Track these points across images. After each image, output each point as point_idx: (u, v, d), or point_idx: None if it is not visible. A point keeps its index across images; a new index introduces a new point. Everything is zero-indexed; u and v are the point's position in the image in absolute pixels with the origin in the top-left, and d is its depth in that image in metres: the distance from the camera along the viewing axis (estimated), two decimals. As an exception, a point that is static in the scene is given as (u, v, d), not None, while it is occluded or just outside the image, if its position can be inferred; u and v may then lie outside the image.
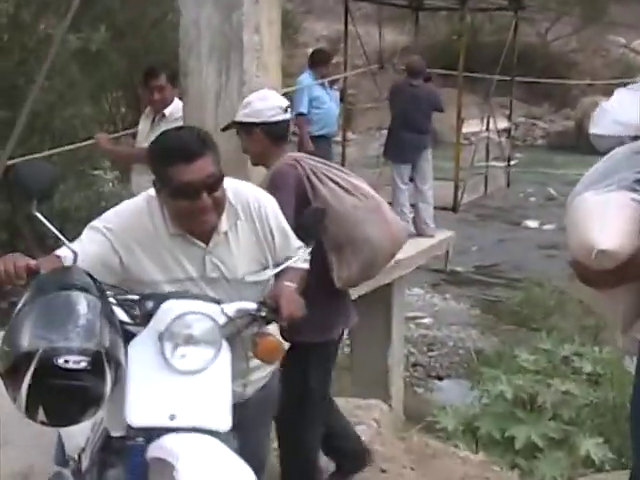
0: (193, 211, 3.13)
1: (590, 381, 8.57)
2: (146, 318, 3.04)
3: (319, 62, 10.60)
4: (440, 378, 14.49)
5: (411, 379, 14.69)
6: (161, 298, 3.07)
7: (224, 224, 3.30)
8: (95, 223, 3.24)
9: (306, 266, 3.61)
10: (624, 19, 41.21)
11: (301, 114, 10.14)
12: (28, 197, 3.11)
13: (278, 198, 3.66)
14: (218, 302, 3.13)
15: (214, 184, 3.14)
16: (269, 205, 3.48)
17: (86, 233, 3.21)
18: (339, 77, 11.97)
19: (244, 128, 4.49)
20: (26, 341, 2.66)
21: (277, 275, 3.40)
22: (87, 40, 9.65)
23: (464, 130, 12.59)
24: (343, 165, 11.95)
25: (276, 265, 3.42)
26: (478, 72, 13.31)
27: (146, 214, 3.27)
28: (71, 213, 11.02)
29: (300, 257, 3.52)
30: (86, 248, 3.12)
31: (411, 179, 11.05)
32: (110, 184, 12.92)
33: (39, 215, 3.08)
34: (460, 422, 6.89)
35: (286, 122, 4.49)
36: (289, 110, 4.52)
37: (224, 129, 4.65)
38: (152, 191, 3.26)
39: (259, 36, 5.01)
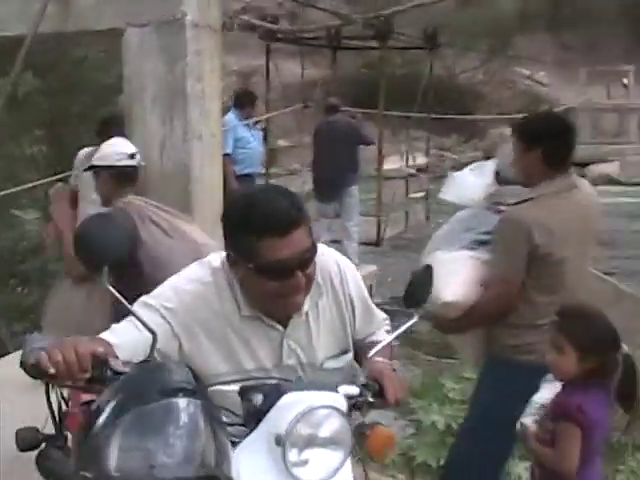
0: (282, 292, 2.61)
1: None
2: (254, 416, 2.46)
3: (245, 103, 10.80)
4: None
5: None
6: (271, 390, 2.47)
7: (306, 303, 2.78)
8: (149, 300, 2.70)
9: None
10: (528, 51, 42.23)
11: (227, 155, 10.27)
12: (96, 265, 2.61)
13: None
14: (336, 388, 2.54)
15: (309, 260, 2.64)
16: (349, 272, 2.94)
17: (139, 312, 2.62)
18: (264, 118, 12.18)
19: (95, 171, 4.86)
20: (122, 469, 2.16)
21: (360, 350, 2.96)
22: (15, 84, 9.68)
23: (385, 167, 12.88)
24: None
25: (357, 342, 2.97)
26: (389, 106, 13.53)
27: (213, 291, 2.73)
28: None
29: (385, 328, 3.10)
30: (141, 331, 2.58)
31: (338, 215, 11.22)
32: (32, 225, 12.89)
33: (111, 288, 2.61)
34: (396, 452, 7.06)
35: (131, 167, 4.82)
36: (136, 157, 4.86)
37: (85, 170, 5.03)
38: (215, 261, 2.80)
39: (201, 84, 5.19)
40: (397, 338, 2.90)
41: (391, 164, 14.68)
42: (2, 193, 7.81)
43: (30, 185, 8.86)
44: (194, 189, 5.20)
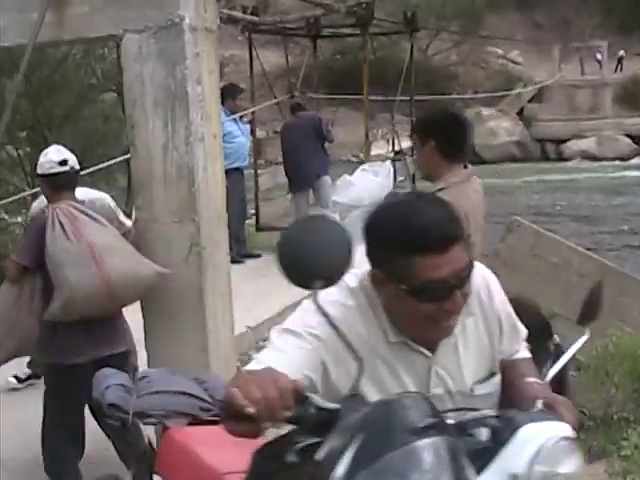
0: (437, 315, 2.33)
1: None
2: (480, 454, 2.13)
3: (229, 97, 10.82)
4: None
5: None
6: (501, 423, 2.20)
7: (457, 325, 2.48)
8: (291, 326, 2.40)
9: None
10: (501, 31, 42.38)
11: None
12: (308, 278, 2.24)
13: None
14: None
15: (467, 278, 2.34)
16: (494, 285, 2.64)
17: (282, 338, 2.35)
18: (250, 111, 12.20)
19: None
20: None
21: (508, 370, 2.65)
22: (2, 88, 9.73)
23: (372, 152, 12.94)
24: (257, 194, 12.20)
25: (502, 361, 2.64)
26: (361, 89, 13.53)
27: (357, 315, 2.42)
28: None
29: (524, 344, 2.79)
30: (293, 358, 2.30)
31: (311, 204, 11.38)
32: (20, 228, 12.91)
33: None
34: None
35: (63, 173, 5.20)
36: (68, 163, 5.26)
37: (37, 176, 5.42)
38: (352, 281, 2.45)
39: (201, 87, 5.22)
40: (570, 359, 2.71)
41: (378, 149, 14.72)
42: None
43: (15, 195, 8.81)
44: (198, 191, 5.22)
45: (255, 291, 9.64)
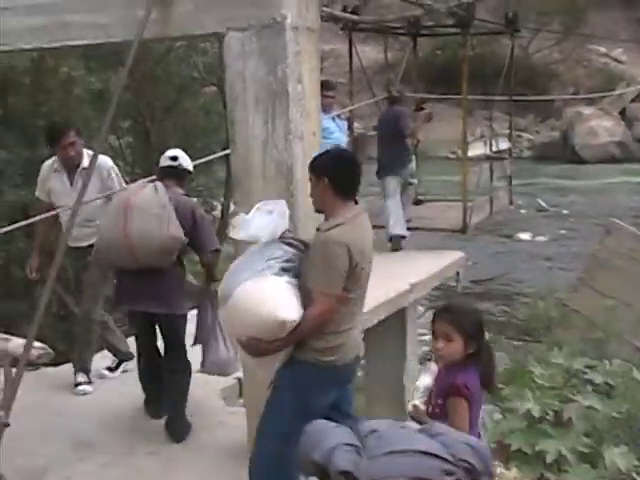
0: None
1: (601, 393, 8.83)
2: None
3: (324, 92, 10.87)
4: (448, 394, 14.63)
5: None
6: None
7: None
8: None
9: None
10: (604, 28, 41.73)
11: None
12: None
13: None
14: None
15: None
16: None
17: None
18: (347, 110, 12.24)
19: None
20: None
21: None
22: (106, 81, 9.95)
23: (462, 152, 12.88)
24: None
25: None
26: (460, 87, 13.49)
27: None
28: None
29: None
30: None
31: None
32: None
33: None
34: (490, 440, 7.12)
35: (172, 168, 6.41)
36: (177, 160, 6.42)
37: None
38: None
39: (301, 85, 5.29)
40: None
41: (475, 150, 14.63)
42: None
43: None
44: (296, 189, 5.29)
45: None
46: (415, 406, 4.48)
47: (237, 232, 5.02)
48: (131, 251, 5.93)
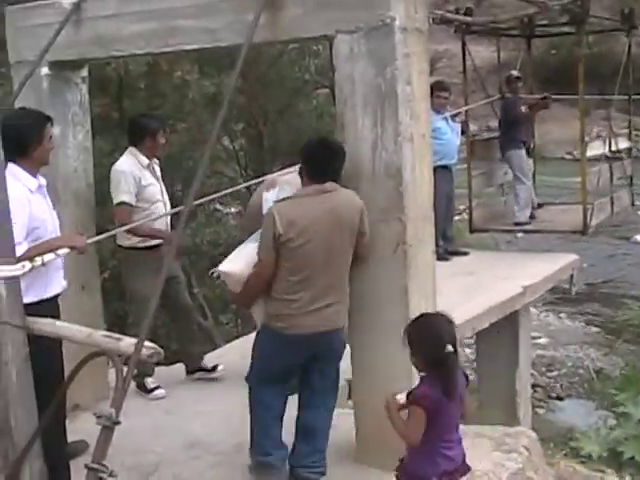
0: None
1: None
2: None
3: (435, 93, 10.87)
4: (560, 398, 14.46)
5: (532, 400, 14.73)
6: None
7: None
8: None
9: None
10: None
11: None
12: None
13: None
14: None
15: None
16: None
17: None
18: (460, 111, 12.16)
19: None
20: None
21: None
22: (219, 85, 10.08)
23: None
24: (470, 194, 12.20)
25: None
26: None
27: None
28: (202, 248, 11.44)
29: None
30: None
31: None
32: (232, 218, 13.32)
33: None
34: (604, 447, 7.00)
35: None
36: None
37: None
38: None
39: (410, 87, 5.27)
40: None
41: (594, 150, 14.39)
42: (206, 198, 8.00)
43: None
44: (405, 190, 5.27)
45: (460, 289, 9.61)
46: (390, 399, 4.59)
47: (264, 209, 5.53)
48: None
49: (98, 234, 6.64)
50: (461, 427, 6.35)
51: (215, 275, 5.78)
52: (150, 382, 7.37)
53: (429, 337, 4.45)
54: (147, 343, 4.23)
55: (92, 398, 6.89)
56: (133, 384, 7.39)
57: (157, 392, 7.33)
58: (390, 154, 5.26)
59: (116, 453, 5.71)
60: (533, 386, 15.06)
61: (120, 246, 7.41)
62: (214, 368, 7.83)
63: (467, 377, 4.66)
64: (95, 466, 4.01)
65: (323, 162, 5.42)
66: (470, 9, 11.34)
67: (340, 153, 5.46)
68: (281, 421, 5.78)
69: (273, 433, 5.74)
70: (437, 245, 11.08)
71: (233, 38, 5.67)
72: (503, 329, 9.92)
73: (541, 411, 14.29)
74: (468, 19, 10.98)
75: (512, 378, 10.40)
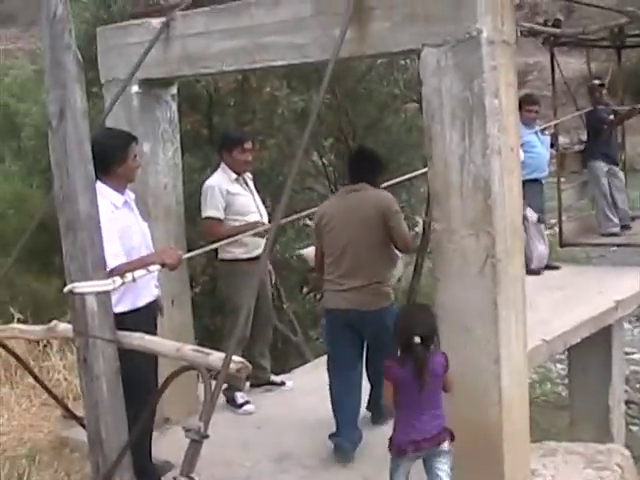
0: None
1: None
2: None
3: (524, 106, 10.82)
4: (656, 415, 14.20)
5: (625, 417, 14.45)
6: None
7: None
8: None
9: None
10: None
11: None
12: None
13: None
14: None
15: None
16: None
17: None
18: (550, 124, 12.04)
19: None
20: None
21: None
22: (308, 101, 10.12)
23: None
24: (560, 207, 12.06)
25: None
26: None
27: None
28: (291, 263, 11.47)
29: None
30: None
31: None
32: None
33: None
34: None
35: None
36: None
37: None
38: None
39: (498, 99, 5.22)
40: None
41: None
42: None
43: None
44: (494, 203, 5.22)
45: (551, 303, 9.50)
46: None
47: None
48: None
49: (189, 249, 6.73)
50: (553, 444, 6.33)
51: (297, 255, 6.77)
52: (240, 397, 7.42)
53: (402, 327, 5.10)
54: (235, 357, 4.26)
55: (183, 412, 6.97)
56: (223, 398, 7.45)
57: (247, 407, 7.38)
58: (478, 167, 5.21)
59: (206, 466, 5.80)
60: (627, 402, 14.78)
61: (222, 260, 7.49)
62: (282, 383, 7.87)
63: (446, 358, 5.16)
64: (183, 479, 4.06)
65: (354, 166, 6.75)
66: (558, 20, 11.22)
67: (370, 159, 6.80)
68: (354, 404, 6.54)
69: (341, 415, 6.46)
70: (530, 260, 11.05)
71: (320, 54, 5.70)
72: (596, 344, 9.76)
73: (635, 428, 14.03)
74: (556, 31, 10.86)
75: (605, 394, 10.22)
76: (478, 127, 5.19)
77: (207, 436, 4.12)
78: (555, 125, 12.31)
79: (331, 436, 6.42)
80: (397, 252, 6.70)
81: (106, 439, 4.65)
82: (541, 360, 9.43)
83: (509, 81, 5.35)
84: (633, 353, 16.69)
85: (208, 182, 7.39)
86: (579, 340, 8.99)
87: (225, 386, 7.47)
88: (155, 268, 5.33)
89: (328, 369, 6.65)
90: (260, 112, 10.67)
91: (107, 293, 4.66)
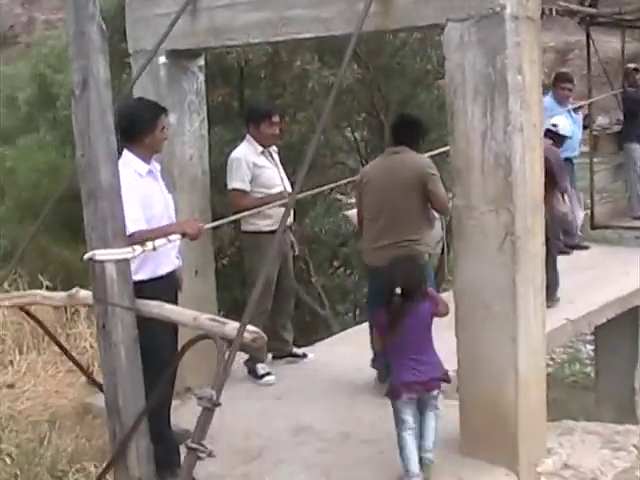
0: None
1: None
2: None
3: (559, 84, 10.78)
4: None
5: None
6: None
7: None
8: None
9: None
10: None
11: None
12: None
13: None
14: None
15: None
16: None
17: None
18: (585, 103, 11.95)
19: None
20: None
21: None
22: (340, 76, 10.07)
23: None
24: (592, 190, 12.01)
25: None
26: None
27: None
28: (321, 237, 11.49)
29: None
30: None
31: None
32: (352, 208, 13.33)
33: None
34: None
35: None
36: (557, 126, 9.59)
37: None
38: None
39: (521, 76, 5.19)
40: None
41: None
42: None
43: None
44: (515, 180, 5.21)
45: (579, 283, 9.47)
46: None
47: None
48: None
49: (215, 220, 6.76)
50: (571, 423, 6.33)
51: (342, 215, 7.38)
52: (261, 368, 7.45)
53: (386, 279, 5.57)
54: (250, 327, 4.29)
55: (204, 381, 6.99)
56: (245, 369, 7.50)
57: (268, 378, 7.41)
58: (499, 143, 5.19)
59: (224, 435, 5.91)
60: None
61: (245, 232, 7.52)
62: (304, 355, 7.90)
63: (437, 302, 5.59)
64: (194, 446, 4.10)
65: (395, 130, 7.11)
66: (595, 0, 11.14)
67: (412, 124, 7.18)
68: None
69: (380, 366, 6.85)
70: (558, 239, 10.99)
71: (345, 27, 5.68)
72: (623, 325, 9.73)
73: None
74: (592, 10, 10.77)
75: (631, 376, 10.18)
76: (500, 103, 5.17)
77: (219, 404, 4.15)
78: (590, 105, 12.22)
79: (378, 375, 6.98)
80: (435, 214, 6.95)
81: (123, 406, 4.70)
82: (566, 340, 9.43)
83: (533, 57, 5.32)
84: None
85: (234, 154, 7.41)
86: (605, 320, 8.96)
87: (247, 357, 7.53)
88: (175, 237, 5.37)
89: (369, 327, 6.93)
90: (291, 86, 10.66)
91: (126, 261, 4.70)
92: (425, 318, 5.50)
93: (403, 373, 5.48)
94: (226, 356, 4.21)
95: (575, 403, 11.84)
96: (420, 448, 5.46)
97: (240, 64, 10.26)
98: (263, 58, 10.23)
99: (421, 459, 5.43)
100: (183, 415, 6.20)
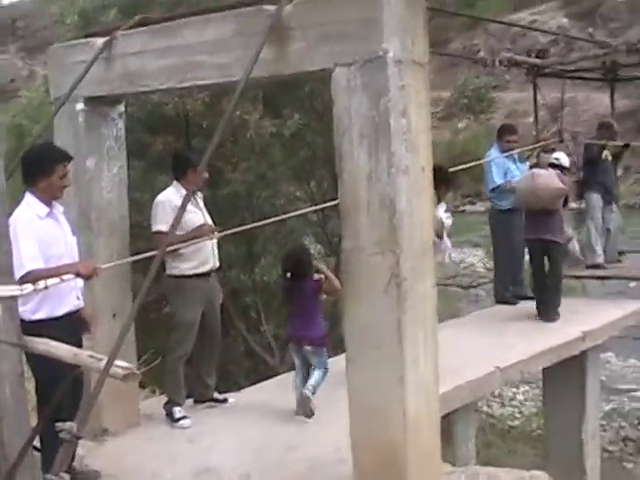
0: None
1: None
2: None
3: (502, 137, 10.90)
4: (653, 453, 14.07)
5: (621, 454, 14.29)
6: None
7: None
8: None
9: None
10: None
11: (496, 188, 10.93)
12: None
13: None
14: None
15: None
16: None
17: None
18: (526, 149, 12.01)
19: None
20: None
21: None
22: (281, 126, 10.21)
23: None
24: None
25: None
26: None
27: None
28: (271, 287, 11.54)
29: None
30: None
31: None
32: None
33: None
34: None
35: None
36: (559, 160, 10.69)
37: None
38: None
39: (406, 119, 5.27)
40: None
41: None
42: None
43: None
44: (399, 222, 5.25)
45: (517, 332, 9.51)
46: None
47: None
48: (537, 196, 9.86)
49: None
50: (477, 468, 6.34)
51: None
52: (177, 411, 7.45)
53: (281, 266, 7.86)
54: (123, 363, 4.32)
55: (122, 424, 7.07)
56: (163, 412, 7.53)
57: (183, 422, 7.41)
58: (384, 185, 5.24)
59: (130, 475, 5.94)
60: (623, 439, 14.69)
61: (169, 275, 7.57)
62: (225, 400, 7.93)
63: (321, 283, 7.48)
64: (53, 477, 4.12)
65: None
66: (543, 51, 11.27)
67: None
68: None
69: None
70: (507, 289, 11.03)
71: (243, 73, 5.76)
72: (569, 375, 9.74)
73: (629, 465, 13.89)
74: (537, 61, 10.88)
75: (578, 428, 10.11)
76: (384, 146, 5.24)
77: (81, 437, 4.19)
78: (537, 156, 12.31)
79: None
80: None
81: (8, 441, 4.72)
82: (496, 387, 9.42)
83: (420, 101, 5.40)
84: (636, 390, 16.58)
85: (158, 198, 7.50)
86: (539, 369, 8.97)
87: (165, 400, 7.58)
88: (68, 277, 5.43)
89: None
90: (232, 135, 10.76)
91: (13, 298, 4.74)
92: (310, 292, 7.48)
93: (290, 328, 7.82)
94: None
95: (533, 456, 11.85)
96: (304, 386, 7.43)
97: (179, 113, 10.39)
98: (201, 107, 10.34)
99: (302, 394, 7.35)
100: (98, 457, 6.23)
